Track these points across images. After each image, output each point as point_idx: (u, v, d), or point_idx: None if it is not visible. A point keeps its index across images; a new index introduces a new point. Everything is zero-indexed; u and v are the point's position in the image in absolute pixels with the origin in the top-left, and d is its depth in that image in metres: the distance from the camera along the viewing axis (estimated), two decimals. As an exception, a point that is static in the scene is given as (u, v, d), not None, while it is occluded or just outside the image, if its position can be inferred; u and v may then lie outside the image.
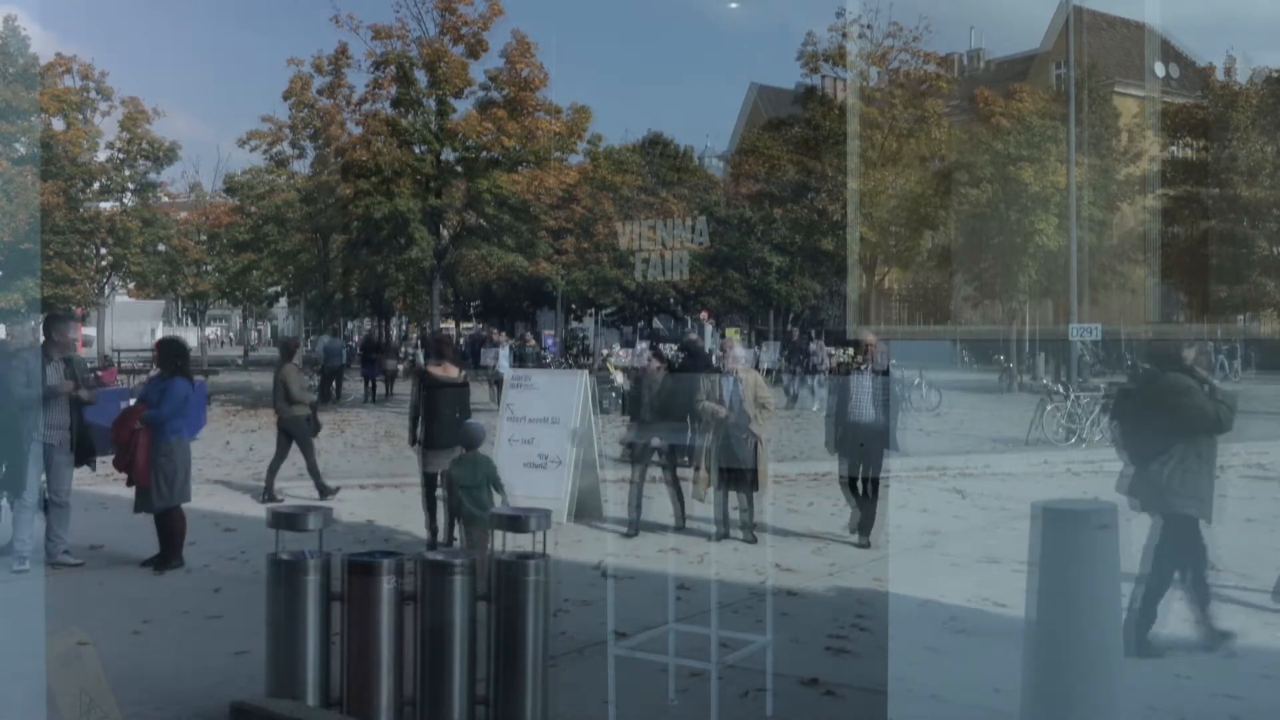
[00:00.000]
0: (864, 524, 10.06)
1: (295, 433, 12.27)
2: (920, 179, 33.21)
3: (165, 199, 38.33)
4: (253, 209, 38.42)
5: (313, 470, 12.37)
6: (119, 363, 30.10)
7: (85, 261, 33.46)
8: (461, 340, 37.65)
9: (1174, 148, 35.08)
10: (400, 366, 30.08)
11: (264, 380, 34.16)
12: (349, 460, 15.68)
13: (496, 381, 23.06)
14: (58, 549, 8.89)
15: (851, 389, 10.22)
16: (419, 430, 9.87)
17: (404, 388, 24.57)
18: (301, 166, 34.12)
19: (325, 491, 12.23)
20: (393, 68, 24.59)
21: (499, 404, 18.05)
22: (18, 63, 32.46)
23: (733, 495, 10.22)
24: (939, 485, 13.84)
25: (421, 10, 24.87)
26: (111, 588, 8.34)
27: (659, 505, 10.79)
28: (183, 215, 41.71)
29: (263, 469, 14.68)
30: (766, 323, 41.13)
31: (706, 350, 22.57)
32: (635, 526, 10.48)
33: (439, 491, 9.33)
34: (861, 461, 10.14)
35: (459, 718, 5.06)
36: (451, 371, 10.21)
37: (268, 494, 12.13)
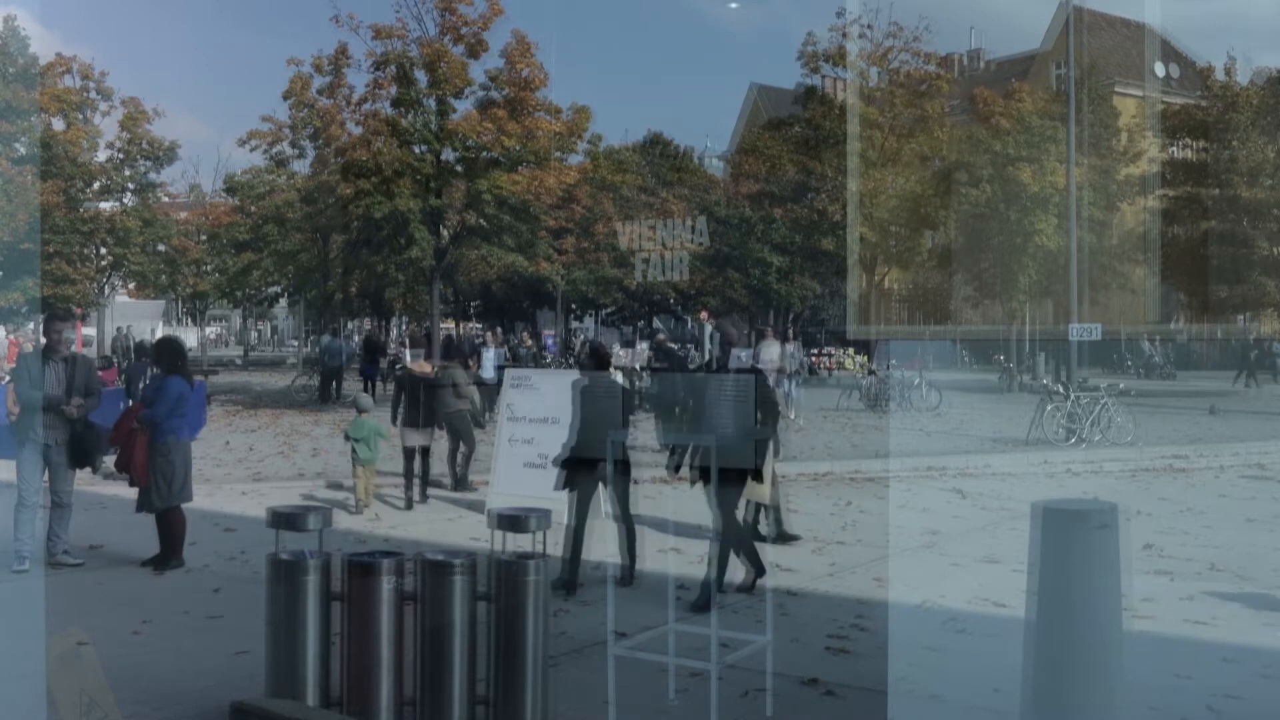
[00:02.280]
0: (744, 566, 8.04)
1: (460, 427, 12.86)
2: (920, 179, 33.19)
3: (165, 199, 38.29)
4: (253, 209, 38.37)
5: (466, 460, 12.99)
6: (119, 363, 30.07)
7: (85, 261, 33.40)
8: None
9: (1174, 148, 35.06)
10: (397, 367, 30.05)
11: (264, 380, 34.28)
12: (349, 460, 15.65)
13: (478, 383, 22.37)
14: (58, 549, 8.89)
15: (705, 397, 7.87)
16: (400, 414, 12.41)
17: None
18: (301, 166, 34.07)
19: (463, 485, 12.83)
20: (393, 68, 24.56)
21: (483, 411, 18.03)
22: (18, 63, 32.42)
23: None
24: (939, 485, 13.85)
25: (421, 10, 24.83)
26: (111, 588, 8.33)
27: (657, 504, 10.79)
28: (183, 215, 41.67)
29: (263, 468, 14.73)
30: (766, 323, 41.15)
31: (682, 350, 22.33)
32: (573, 585, 8.27)
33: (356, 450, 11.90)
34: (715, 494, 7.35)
35: (459, 718, 5.06)
36: (426, 368, 12.98)
37: (461, 484, 12.80)
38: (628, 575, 8.43)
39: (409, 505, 11.91)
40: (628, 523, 8.52)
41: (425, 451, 12.29)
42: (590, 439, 8.45)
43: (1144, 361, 36.69)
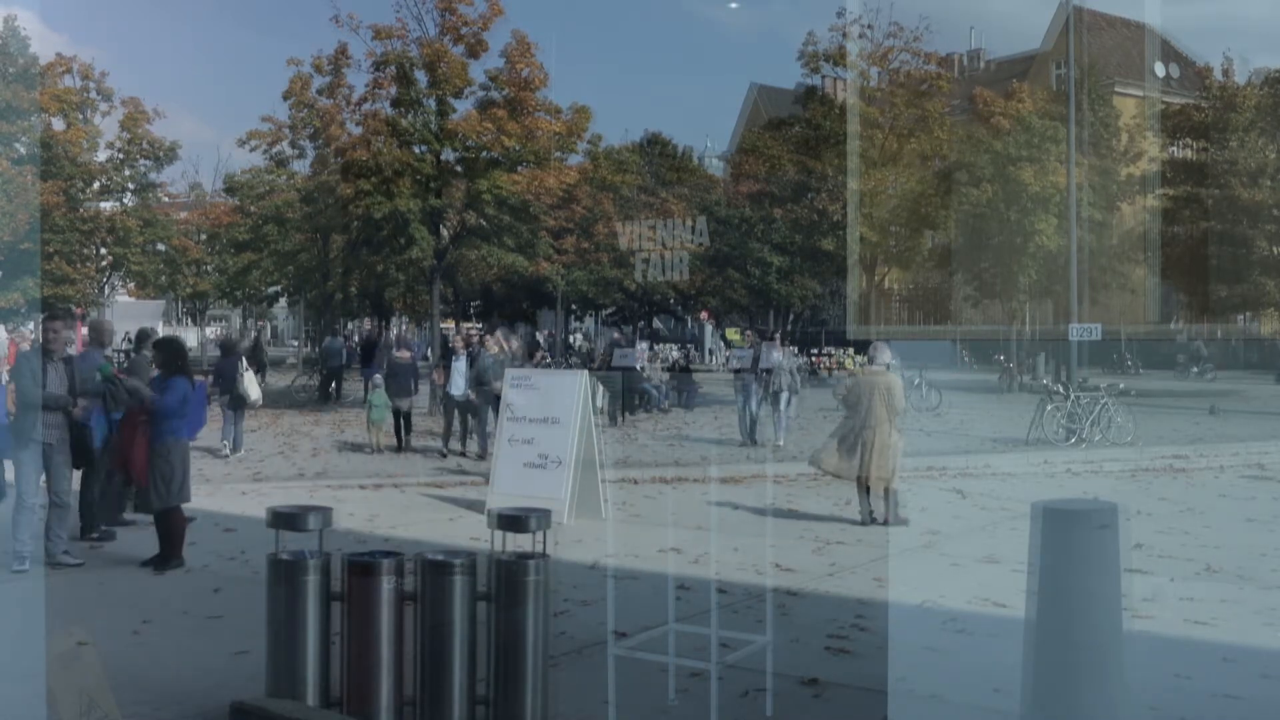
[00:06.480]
0: None
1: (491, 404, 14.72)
2: (920, 179, 33.17)
3: (165, 199, 38.31)
4: (253, 209, 38.39)
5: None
6: (119, 363, 30.06)
7: (85, 261, 33.41)
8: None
9: (1174, 148, 35.03)
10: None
11: (263, 380, 34.21)
12: (349, 460, 15.69)
13: (447, 407, 16.84)
14: (57, 549, 8.88)
15: None
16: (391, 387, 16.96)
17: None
18: (301, 166, 34.07)
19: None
20: (393, 68, 24.58)
21: (444, 432, 16.53)
22: (18, 63, 32.44)
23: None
24: (939, 485, 13.84)
25: (421, 10, 24.87)
26: (111, 588, 8.33)
27: (659, 504, 10.77)
28: (183, 215, 41.70)
29: (263, 468, 14.80)
30: (766, 322, 41.14)
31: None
32: None
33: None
34: None
35: (459, 718, 5.06)
36: (406, 356, 18.12)
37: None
38: None
39: (399, 447, 16.56)
40: None
41: (408, 415, 17.04)
42: None
43: None
